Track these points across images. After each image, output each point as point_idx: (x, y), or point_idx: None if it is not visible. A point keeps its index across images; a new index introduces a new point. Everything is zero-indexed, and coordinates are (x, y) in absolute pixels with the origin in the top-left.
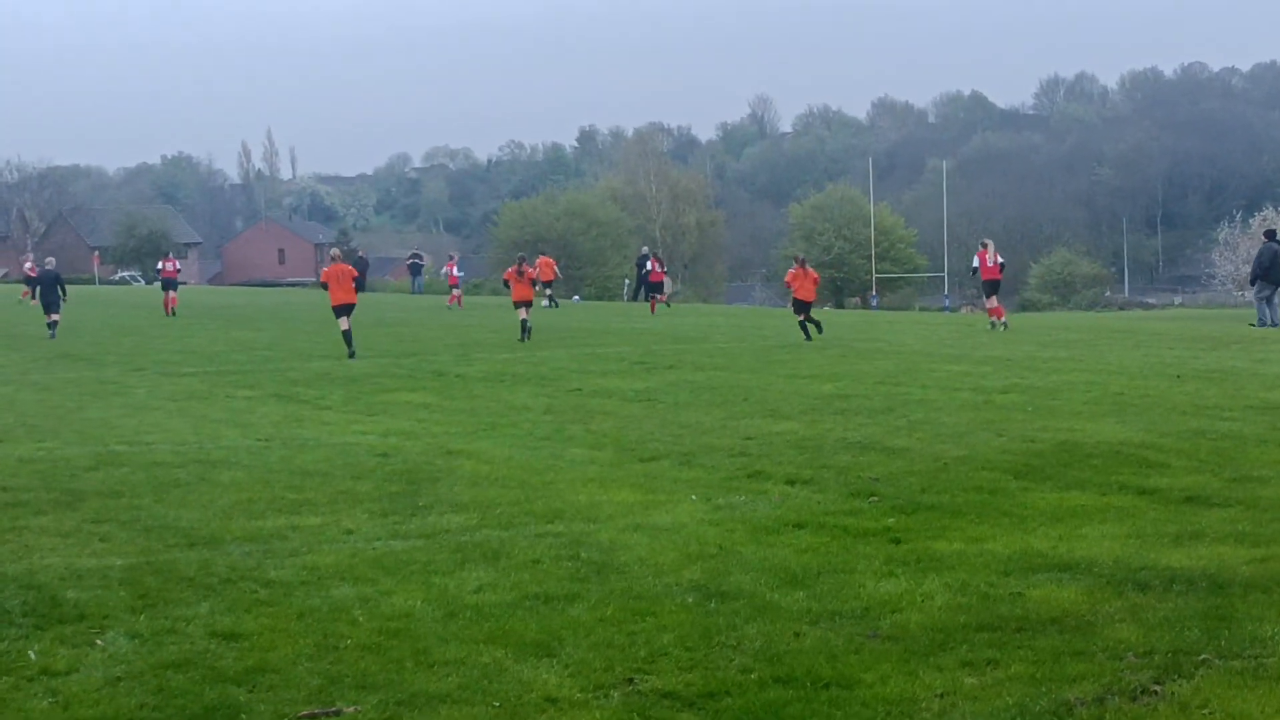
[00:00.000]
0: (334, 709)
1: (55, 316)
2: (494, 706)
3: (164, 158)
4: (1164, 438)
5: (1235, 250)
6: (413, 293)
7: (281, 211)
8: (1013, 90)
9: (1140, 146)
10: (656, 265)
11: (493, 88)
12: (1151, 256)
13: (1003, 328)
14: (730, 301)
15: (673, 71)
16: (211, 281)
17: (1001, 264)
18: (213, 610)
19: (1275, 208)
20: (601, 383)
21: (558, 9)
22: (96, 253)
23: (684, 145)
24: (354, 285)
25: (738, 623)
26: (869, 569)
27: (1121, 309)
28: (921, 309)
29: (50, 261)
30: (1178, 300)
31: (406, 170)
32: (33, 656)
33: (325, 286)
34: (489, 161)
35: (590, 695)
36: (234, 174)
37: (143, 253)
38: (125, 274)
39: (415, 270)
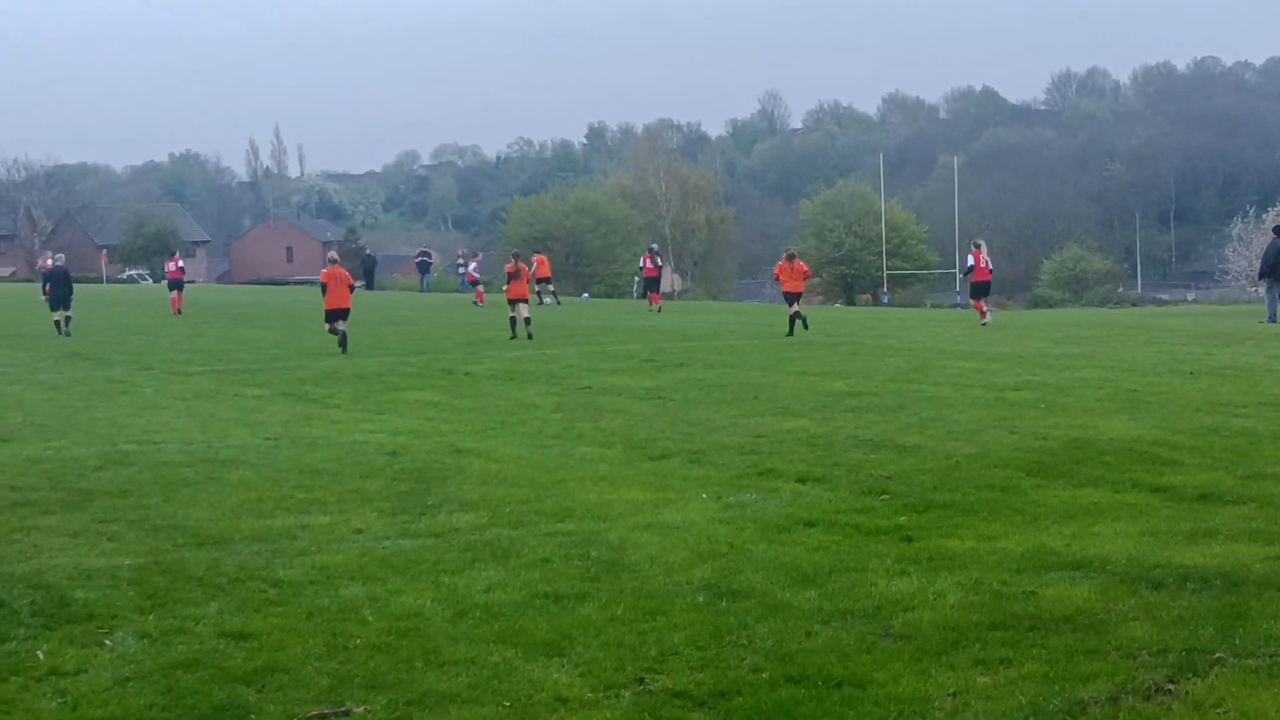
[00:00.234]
0: (343, 709)
1: (67, 313)
2: (504, 706)
3: (172, 156)
4: (1177, 435)
5: (1249, 246)
6: (421, 290)
7: (289, 209)
8: (1024, 86)
9: (1153, 142)
10: (649, 261)
11: (501, 85)
12: (1164, 252)
13: (982, 325)
14: (740, 299)
15: (682, 68)
16: (219, 280)
17: (990, 267)
18: (221, 610)
19: None
20: (611, 380)
21: (567, 5)
22: (104, 251)
23: (694, 142)
24: (350, 290)
25: (749, 622)
26: (881, 567)
27: (1134, 305)
28: (933, 305)
29: (60, 257)
30: (1191, 296)
31: (415, 168)
32: (41, 657)
33: (324, 288)
34: (498, 159)
35: (601, 695)
36: (242, 172)
37: (150, 251)
38: (133, 272)
39: (424, 268)
